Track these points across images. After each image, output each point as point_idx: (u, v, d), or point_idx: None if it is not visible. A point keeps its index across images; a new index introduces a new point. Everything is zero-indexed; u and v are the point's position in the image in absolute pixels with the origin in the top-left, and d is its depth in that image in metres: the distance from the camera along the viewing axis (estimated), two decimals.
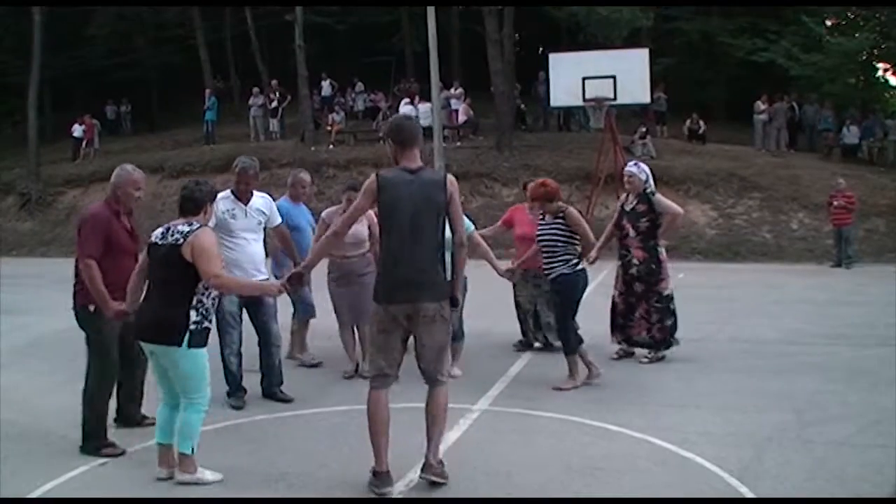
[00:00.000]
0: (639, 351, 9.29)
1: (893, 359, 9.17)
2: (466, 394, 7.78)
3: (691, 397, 7.77)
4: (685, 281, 16.21)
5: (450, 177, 5.57)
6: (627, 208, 9.18)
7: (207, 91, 31.42)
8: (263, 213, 7.77)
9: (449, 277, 5.76)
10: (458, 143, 27.28)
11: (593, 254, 8.38)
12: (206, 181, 6.03)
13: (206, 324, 5.62)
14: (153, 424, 6.06)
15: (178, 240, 5.51)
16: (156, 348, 5.58)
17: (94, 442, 6.28)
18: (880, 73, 32.26)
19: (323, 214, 8.56)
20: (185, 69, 36.80)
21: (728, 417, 7.09)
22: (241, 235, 7.56)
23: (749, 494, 5.31)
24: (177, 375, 5.60)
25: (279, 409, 7.50)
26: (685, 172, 23.64)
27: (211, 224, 6.94)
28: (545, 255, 8.21)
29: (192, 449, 5.58)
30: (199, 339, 5.56)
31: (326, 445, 6.51)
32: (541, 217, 8.40)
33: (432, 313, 5.42)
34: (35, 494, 5.53)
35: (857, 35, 29.17)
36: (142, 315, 5.70)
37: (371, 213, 8.28)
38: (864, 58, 29.48)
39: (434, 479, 5.47)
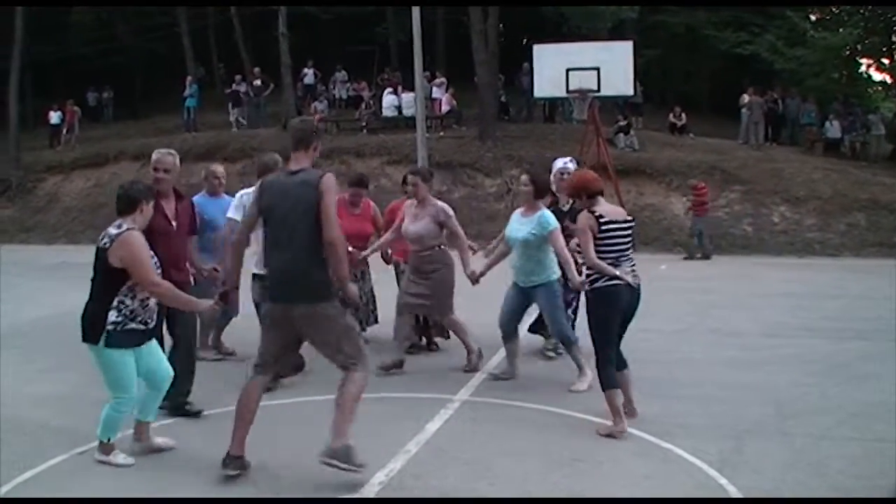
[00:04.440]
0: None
1: (871, 352, 9.25)
2: (447, 384, 7.79)
3: (672, 389, 7.79)
4: (667, 273, 16.30)
5: (326, 177, 5.46)
6: (565, 208, 8.47)
7: (188, 78, 31.28)
8: None
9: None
10: (441, 134, 27.20)
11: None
12: (140, 181, 6.10)
13: (130, 325, 5.61)
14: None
15: (105, 243, 5.57)
16: (86, 346, 5.71)
17: None
18: (863, 68, 32.33)
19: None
20: (168, 57, 36.58)
21: (708, 409, 7.11)
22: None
23: (729, 486, 5.32)
24: (100, 371, 5.72)
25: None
26: (667, 165, 23.66)
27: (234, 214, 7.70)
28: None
29: (109, 439, 5.79)
30: (117, 340, 5.56)
31: (300, 435, 6.46)
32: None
33: (310, 313, 5.42)
34: (12, 484, 5.49)
35: (841, 30, 29.22)
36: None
37: (444, 207, 8.36)
38: (848, 53, 29.53)
39: (329, 461, 5.34)
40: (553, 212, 8.00)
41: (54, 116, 32.24)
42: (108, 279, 5.56)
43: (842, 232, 20.91)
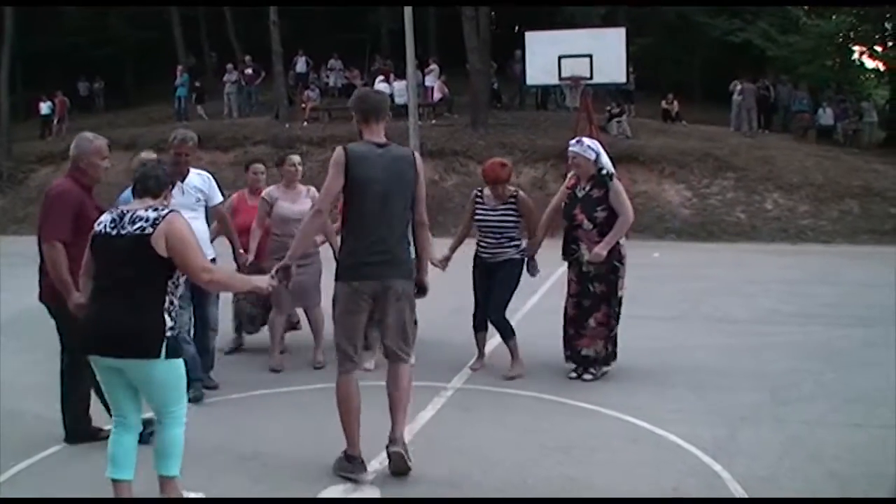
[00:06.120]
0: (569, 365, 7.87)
1: (866, 339, 9.26)
2: (440, 372, 7.76)
3: (665, 376, 7.78)
4: (660, 260, 16.29)
5: (417, 155, 5.50)
6: (580, 194, 7.65)
7: (179, 68, 31.25)
8: (201, 190, 7.31)
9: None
10: (433, 121, 27.17)
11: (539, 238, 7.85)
12: (162, 163, 5.42)
13: (176, 328, 4.66)
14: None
15: (143, 228, 4.47)
16: (126, 363, 4.51)
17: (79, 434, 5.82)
18: (856, 55, 32.32)
19: (263, 193, 8.14)
20: (159, 46, 36.45)
21: (702, 396, 7.10)
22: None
23: (723, 473, 5.31)
24: (154, 390, 4.62)
25: (252, 388, 7.43)
26: (660, 152, 23.63)
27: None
28: (492, 238, 7.85)
29: (179, 470, 4.77)
30: (175, 349, 4.57)
31: (299, 424, 6.47)
32: (478, 199, 7.99)
33: (400, 291, 5.31)
34: (8, 474, 5.46)
35: (833, 17, 29.23)
36: (100, 326, 4.54)
37: (312, 188, 8.07)
38: (841, 40, 29.53)
39: (396, 464, 5.30)
40: (569, 196, 7.77)
41: (45, 107, 32.13)
42: (156, 274, 4.51)
43: (835, 219, 20.91)
